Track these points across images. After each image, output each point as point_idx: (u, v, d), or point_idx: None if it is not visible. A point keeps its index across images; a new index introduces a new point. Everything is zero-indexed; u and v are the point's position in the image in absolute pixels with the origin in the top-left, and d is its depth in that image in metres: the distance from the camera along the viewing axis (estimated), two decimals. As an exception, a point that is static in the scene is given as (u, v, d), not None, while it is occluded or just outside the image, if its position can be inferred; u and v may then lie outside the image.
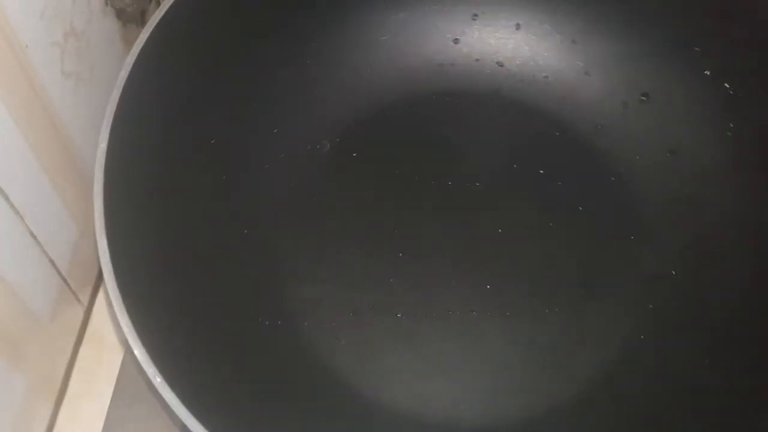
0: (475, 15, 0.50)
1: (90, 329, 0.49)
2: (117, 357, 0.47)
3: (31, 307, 0.42)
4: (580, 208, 0.47)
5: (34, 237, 0.41)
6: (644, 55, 0.48)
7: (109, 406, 0.45)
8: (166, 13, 0.40)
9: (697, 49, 0.46)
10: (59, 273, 0.44)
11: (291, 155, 0.47)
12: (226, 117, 0.44)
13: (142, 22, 0.50)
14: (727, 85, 0.45)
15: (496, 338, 0.43)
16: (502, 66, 0.51)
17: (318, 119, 0.48)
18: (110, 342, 0.48)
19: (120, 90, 0.38)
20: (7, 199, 0.38)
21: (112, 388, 0.45)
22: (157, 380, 0.30)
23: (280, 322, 0.42)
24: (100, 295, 0.49)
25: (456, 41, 0.51)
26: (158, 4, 0.48)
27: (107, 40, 0.46)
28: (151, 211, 0.38)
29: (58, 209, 0.43)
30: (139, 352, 0.31)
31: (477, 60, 0.51)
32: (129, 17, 0.48)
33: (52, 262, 0.43)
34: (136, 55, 0.39)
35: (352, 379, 0.42)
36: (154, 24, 0.40)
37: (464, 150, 0.49)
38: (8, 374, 0.40)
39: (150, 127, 0.40)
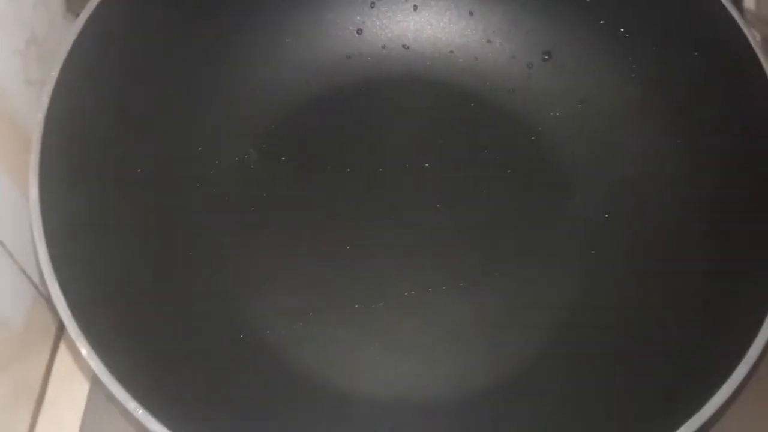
0: (373, 3, 0.51)
1: (67, 334, 0.48)
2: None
3: (5, 316, 0.42)
4: (508, 171, 0.49)
5: (3, 245, 0.41)
6: (540, 15, 0.50)
7: (85, 408, 0.45)
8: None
9: (587, 0, 0.48)
10: (31, 282, 0.44)
11: (220, 170, 0.47)
12: (149, 140, 0.44)
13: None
14: (623, 30, 0.47)
15: (453, 310, 0.45)
16: (407, 48, 0.52)
17: (240, 130, 0.48)
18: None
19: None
20: None
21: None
22: (138, 411, 0.30)
23: (242, 336, 0.43)
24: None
25: (359, 32, 0.51)
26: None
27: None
28: (92, 241, 0.38)
29: (25, 217, 0.43)
30: (109, 382, 0.31)
31: (383, 47, 0.52)
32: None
33: (23, 270, 0.43)
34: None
35: (323, 376, 0.42)
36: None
37: (388, 135, 0.50)
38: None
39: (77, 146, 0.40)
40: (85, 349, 0.31)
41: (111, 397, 0.31)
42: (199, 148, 0.47)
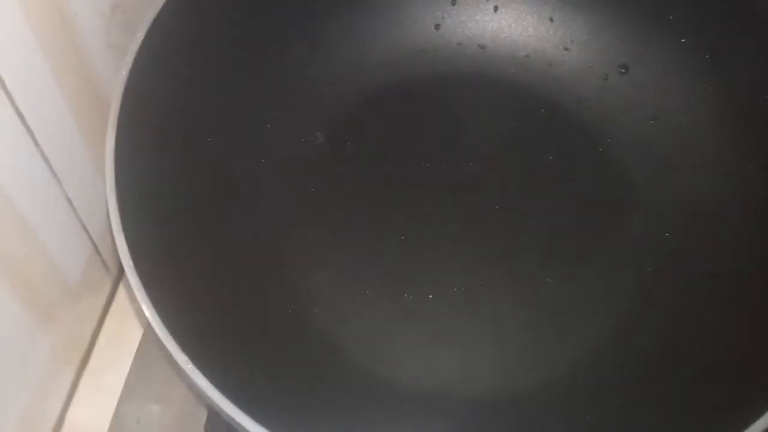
0: (454, 0, 0.52)
1: (117, 300, 0.50)
2: (140, 332, 0.48)
3: (61, 268, 0.43)
4: (572, 179, 0.48)
5: (70, 201, 0.42)
6: (620, 27, 0.50)
7: (127, 377, 0.46)
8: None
9: (671, 17, 0.48)
10: (90, 238, 0.46)
11: (287, 149, 0.48)
12: (221, 112, 0.45)
13: None
14: (703, 50, 0.47)
15: (501, 309, 0.45)
16: (483, 48, 0.52)
17: (309, 112, 0.49)
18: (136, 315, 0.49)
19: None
20: (48, 164, 0.40)
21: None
22: (188, 365, 0.31)
23: (290, 311, 0.43)
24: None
25: (437, 27, 0.52)
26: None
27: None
28: (160, 203, 0.39)
29: (93, 178, 0.44)
30: (162, 333, 0.32)
31: (459, 44, 0.52)
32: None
33: (84, 227, 0.45)
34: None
35: (365, 360, 0.43)
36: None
37: (454, 132, 0.50)
38: (35, 335, 0.41)
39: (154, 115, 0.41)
40: (141, 298, 0.32)
41: (163, 352, 0.32)
42: (269, 126, 0.48)
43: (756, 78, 0.45)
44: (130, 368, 0.46)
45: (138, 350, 0.47)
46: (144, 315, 0.32)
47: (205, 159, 0.43)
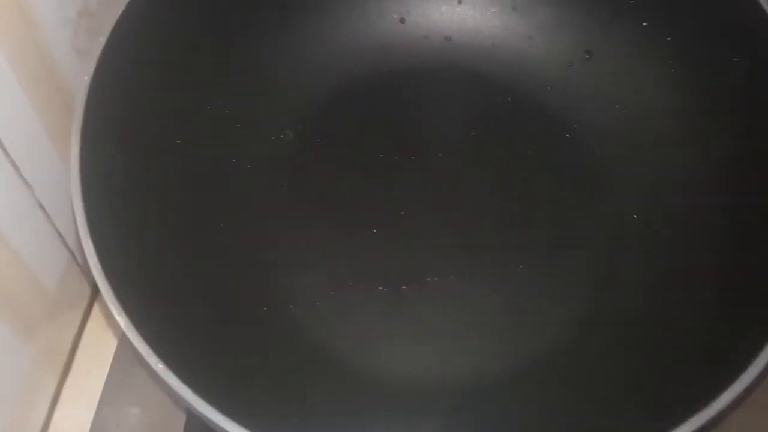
0: (417, -7, 0.52)
1: (98, 306, 0.50)
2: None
3: (39, 277, 0.43)
4: (540, 167, 0.49)
5: (42, 208, 0.42)
6: (583, 13, 0.50)
7: (105, 382, 0.46)
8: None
9: (632, 1, 0.48)
10: (67, 246, 0.46)
11: (256, 148, 0.48)
12: (187, 113, 0.45)
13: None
14: (665, 33, 0.47)
15: (476, 297, 0.45)
16: (449, 40, 0.52)
17: (278, 110, 0.49)
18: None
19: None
20: (18, 171, 0.39)
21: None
22: (159, 367, 0.31)
23: (265, 308, 0.43)
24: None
25: (402, 21, 0.52)
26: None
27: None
28: (129, 206, 0.40)
29: (65, 183, 0.44)
30: (132, 335, 0.32)
31: (425, 37, 0.52)
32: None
33: (59, 234, 0.44)
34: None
35: (341, 353, 0.43)
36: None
37: (422, 124, 0.51)
38: (16, 344, 0.41)
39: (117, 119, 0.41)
40: (111, 302, 0.33)
41: (136, 356, 0.32)
42: (238, 125, 0.48)
43: (715, 59, 0.45)
44: (109, 373, 0.46)
45: (116, 355, 0.47)
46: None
47: (174, 161, 0.43)
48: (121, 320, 0.32)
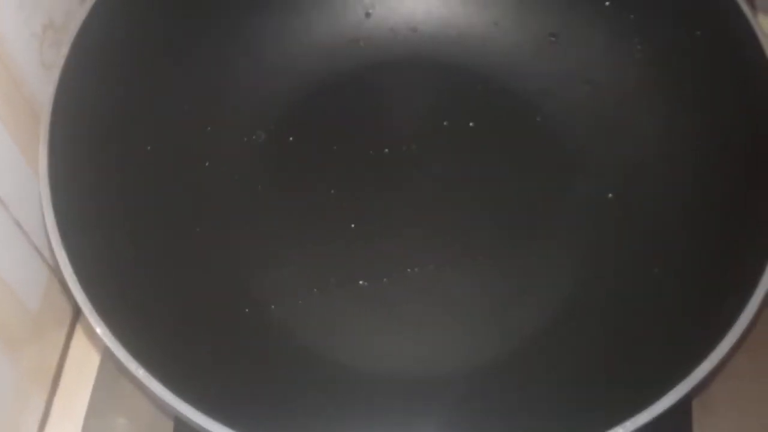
0: (383, -14, 0.52)
1: (83, 320, 0.49)
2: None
3: (20, 296, 0.43)
4: (514, 152, 0.49)
5: (19, 225, 0.42)
6: (545, -3, 0.50)
7: (92, 394, 0.46)
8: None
9: (592, -19, 0.48)
10: (46, 263, 0.45)
11: (229, 150, 0.48)
12: (157, 119, 0.45)
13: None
14: (628, 11, 0.48)
15: (457, 287, 0.45)
16: (416, 31, 0.52)
17: (248, 111, 0.49)
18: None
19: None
20: None
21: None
22: (140, 372, 0.31)
23: (247, 310, 0.43)
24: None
25: (368, 15, 0.52)
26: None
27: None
28: (101, 215, 0.40)
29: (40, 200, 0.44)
30: (110, 341, 0.33)
31: (391, 29, 0.52)
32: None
33: (38, 251, 0.44)
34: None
35: (325, 349, 0.43)
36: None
37: (394, 117, 0.51)
38: (1, 364, 0.41)
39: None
40: (87, 311, 0.32)
41: (119, 366, 0.32)
42: (209, 128, 0.48)
43: (678, 34, 0.45)
44: (94, 384, 0.46)
45: (100, 367, 0.46)
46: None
47: (145, 168, 0.43)
48: (99, 328, 0.32)
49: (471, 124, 0.50)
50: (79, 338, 0.49)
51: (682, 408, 0.40)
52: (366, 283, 0.45)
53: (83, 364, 0.48)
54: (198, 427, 0.32)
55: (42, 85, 0.43)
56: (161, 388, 0.31)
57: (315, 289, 0.45)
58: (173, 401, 0.31)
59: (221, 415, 0.32)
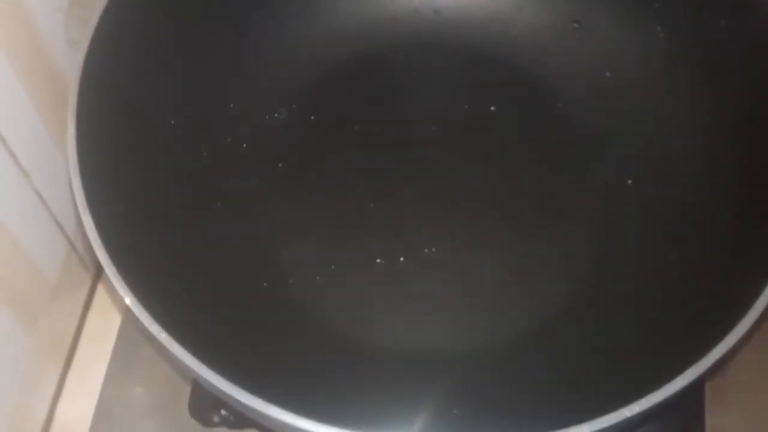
0: (408, -33, 0.52)
1: (99, 294, 0.50)
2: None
3: (39, 266, 0.43)
4: (534, 136, 0.49)
5: (40, 196, 0.42)
6: (570, -20, 0.50)
7: (108, 364, 0.46)
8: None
9: (617, -32, 0.48)
10: (66, 235, 0.46)
11: (251, 127, 0.48)
12: (181, 95, 0.45)
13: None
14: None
15: (473, 267, 0.46)
16: (439, 13, 0.52)
17: (271, 90, 0.50)
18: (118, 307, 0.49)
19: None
20: (15, 160, 0.40)
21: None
22: (162, 336, 0.32)
23: (265, 284, 0.44)
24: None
25: (393, -6, 0.52)
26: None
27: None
28: (126, 185, 0.40)
29: (62, 172, 0.44)
30: (138, 311, 0.33)
31: (415, 11, 0.52)
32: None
33: (58, 223, 0.45)
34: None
35: (341, 325, 0.43)
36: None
37: (416, 98, 0.51)
38: (18, 333, 0.42)
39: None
40: (113, 275, 0.33)
41: (139, 328, 0.33)
42: (231, 105, 0.48)
43: (702, 22, 0.45)
44: (111, 355, 0.47)
45: (118, 336, 0.47)
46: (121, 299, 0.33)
47: (168, 140, 0.44)
48: (124, 293, 0.33)
49: (492, 108, 0.50)
50: (95, 312, 0.50)
51: (695, 390, 0.40)
52: (383, 262, 0.45)
53: (98, 338, 0.48)
54: (216, 390, 0.32)
55: (67, 61, 0.44)
56: (182, 351, 0.32)
57: (332, 266, 0.45)
58: (194, 364, 0.31)
59: (238, 379, 0.32)
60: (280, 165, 0.48)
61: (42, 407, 0.46)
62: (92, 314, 0.49)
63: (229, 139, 0.47)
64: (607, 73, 0.49)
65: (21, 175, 0.41)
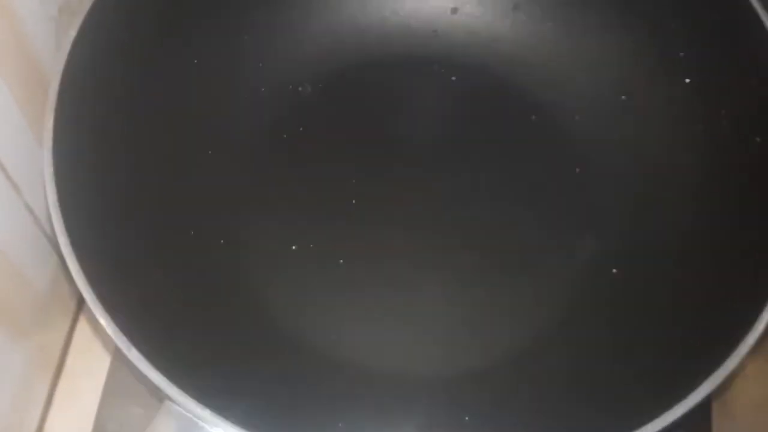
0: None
1: (88, 308, 0.49)
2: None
3: (29, 279, 0.43)
4: (523, 155, 0.49)
5: (30, 210, 0.42)
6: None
7: (105, 383, 0.46)
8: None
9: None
10: (55, 248, 0.45)
11: (272, 91, 0.48)
12: (162, 99, 0.44)
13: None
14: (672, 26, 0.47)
15: (432, 291, 0.44)
16: (437, 35, 0.51)
17: (304, 62, 0.49)
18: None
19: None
20: (5, 173, 0.39)
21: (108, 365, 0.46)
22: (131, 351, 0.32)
23: (222, 241, 0.43)
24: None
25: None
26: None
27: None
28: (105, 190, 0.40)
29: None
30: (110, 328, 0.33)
31: (407, 26, 0.51)
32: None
33: (48, 237, 0.44)
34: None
35: (281, 315, 0.42)
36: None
37: (410, 112, 0.50)
38: (7, 347, 0.41)
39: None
40: (84, 289, 0.33)
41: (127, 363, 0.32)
42: (260, 64, 0.48)
43: (677, 27, 0.45)
44: (108, 373, 0.46)
45: (114, 355, 0.46)
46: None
47: (148, 151, 0.43)
48: (92, 303, 0.33)
49: (483, 120, 0.50)
50: (84, 326, 0.49)
51: (702, 408, 0.39)
52: (344, 262, 0.44)
53: (88, 353, 0.48)
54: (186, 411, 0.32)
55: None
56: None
57: (293, 246, 0.44)
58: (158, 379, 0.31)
59: (211, 401, 0.32)
60: (284, 136, 0.47)
61: (32, 419, 0.45)
62: (81, 328, 0.49)
63: (246, 96, 0.47)
64: (622, 97, 0.48)
65: (11, 188, 0.40)
